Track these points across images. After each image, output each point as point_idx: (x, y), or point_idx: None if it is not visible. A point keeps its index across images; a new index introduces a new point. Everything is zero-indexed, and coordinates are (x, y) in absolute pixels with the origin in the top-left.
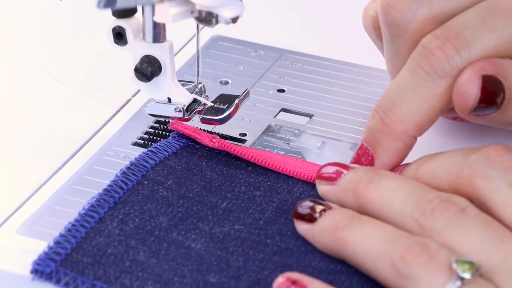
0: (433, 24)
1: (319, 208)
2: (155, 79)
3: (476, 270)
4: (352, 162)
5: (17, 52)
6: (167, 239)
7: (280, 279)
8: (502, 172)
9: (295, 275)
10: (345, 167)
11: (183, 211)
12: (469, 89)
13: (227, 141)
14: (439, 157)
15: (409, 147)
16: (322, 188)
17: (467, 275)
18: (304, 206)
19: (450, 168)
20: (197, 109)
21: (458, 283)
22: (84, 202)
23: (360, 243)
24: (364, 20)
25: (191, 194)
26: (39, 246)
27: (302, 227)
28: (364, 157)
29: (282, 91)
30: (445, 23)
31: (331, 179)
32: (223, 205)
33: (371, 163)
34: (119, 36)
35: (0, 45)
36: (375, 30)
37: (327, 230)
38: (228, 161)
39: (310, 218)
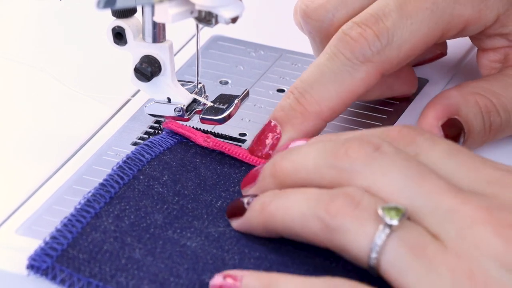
0: None
1: (246, 199)
2: (155, 79)
3: (403, 215)
4: (256, 138)
5: (17, 52)
6: (162, 236)
7: (213, 279)
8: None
9: (226, 272)
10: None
11: (178, 208)
12: None
13: (221, 140)
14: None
15: (317, 130)
16: (248, 192)
17: (394, 222)
18: (234, 204)
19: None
20: (197, 109)
21: (387, 230)
22: None
23: (286, 210)
24: (294, 18)
25: (186, 192)
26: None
27: (236, 222)
28: (271, 133)
29: (282, 91)
30: None
31: (253, 179)
32: (218, 204)
33: (277, 140)
34: (119, 36)
35: (0, 45)
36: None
37: (256, 212)
38: (222, 159)
39: (240, 211)
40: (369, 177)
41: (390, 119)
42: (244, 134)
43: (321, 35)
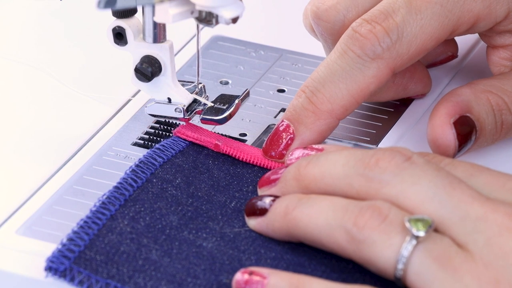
0: None
1: (268, 199)
2: (155, 79)
3: (430, 226)
4: (270, 138)
5: (17, 53)
6: (178, 237)
7: (238, 274)
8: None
9: (252, 268)
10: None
11: (193, 210)
12: (447, 140)
13: (231, 141)
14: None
15: (331, 128)
16: (266, 192)
17: (421, 233)
18: (254, 202)
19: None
20: (197, 109)
21: (414, 242)
22: (84, 202)
23: (311, 219)
24: (303, 21)
25: (199, 193)
26: (39, 247)
27: (254, 222)
28: (284, 133)
29: (282, 91)
30: None
31: (273, 181)
32: (232, 205)
33: (291, 140)
34: (119, 36)
35: (0, 45)
36: (313, 32)
37: (278, 216)
38: (234, 160)
39: (261, 211)
40: (398, 187)
41: (390, 119)
42: (245, 134)
43: (333, 36)
